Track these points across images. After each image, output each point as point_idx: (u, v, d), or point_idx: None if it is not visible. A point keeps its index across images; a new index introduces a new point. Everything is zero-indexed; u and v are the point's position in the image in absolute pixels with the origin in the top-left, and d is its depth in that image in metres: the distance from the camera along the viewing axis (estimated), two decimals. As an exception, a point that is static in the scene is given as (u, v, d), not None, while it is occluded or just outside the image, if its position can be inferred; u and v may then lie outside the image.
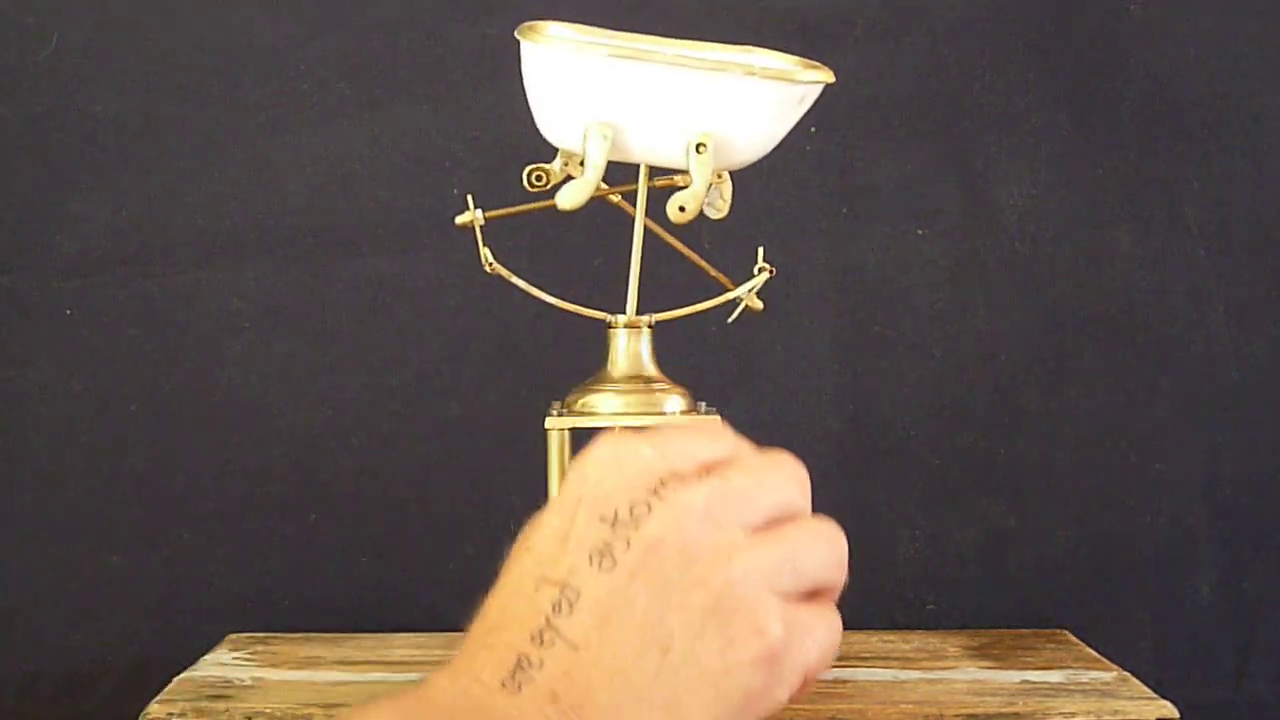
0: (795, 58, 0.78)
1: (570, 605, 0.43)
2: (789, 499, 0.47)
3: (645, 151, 0.78)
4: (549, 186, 0.81)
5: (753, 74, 0.76)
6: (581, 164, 0.77)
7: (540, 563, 0.45)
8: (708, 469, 0.46)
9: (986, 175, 1.05)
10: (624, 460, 0.46)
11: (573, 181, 0.78)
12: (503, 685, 0.43)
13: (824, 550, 0.46)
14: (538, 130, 0.78)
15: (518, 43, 0.76)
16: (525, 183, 0.82)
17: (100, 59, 1.04)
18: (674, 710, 0.43)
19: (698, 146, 0.76)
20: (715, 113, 0.76)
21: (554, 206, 0.81)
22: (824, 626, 0.46)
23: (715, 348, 1.05)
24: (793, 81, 0.76)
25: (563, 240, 1.03)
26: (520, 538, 0.47)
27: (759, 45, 0.79)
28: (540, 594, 0.44)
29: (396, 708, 0.43)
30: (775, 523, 0.46)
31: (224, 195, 1.05)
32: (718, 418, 0.49)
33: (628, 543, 0.44)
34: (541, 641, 0.43)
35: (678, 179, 0.80)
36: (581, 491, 0.45)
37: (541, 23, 0.76)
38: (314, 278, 1.05)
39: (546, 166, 0.82)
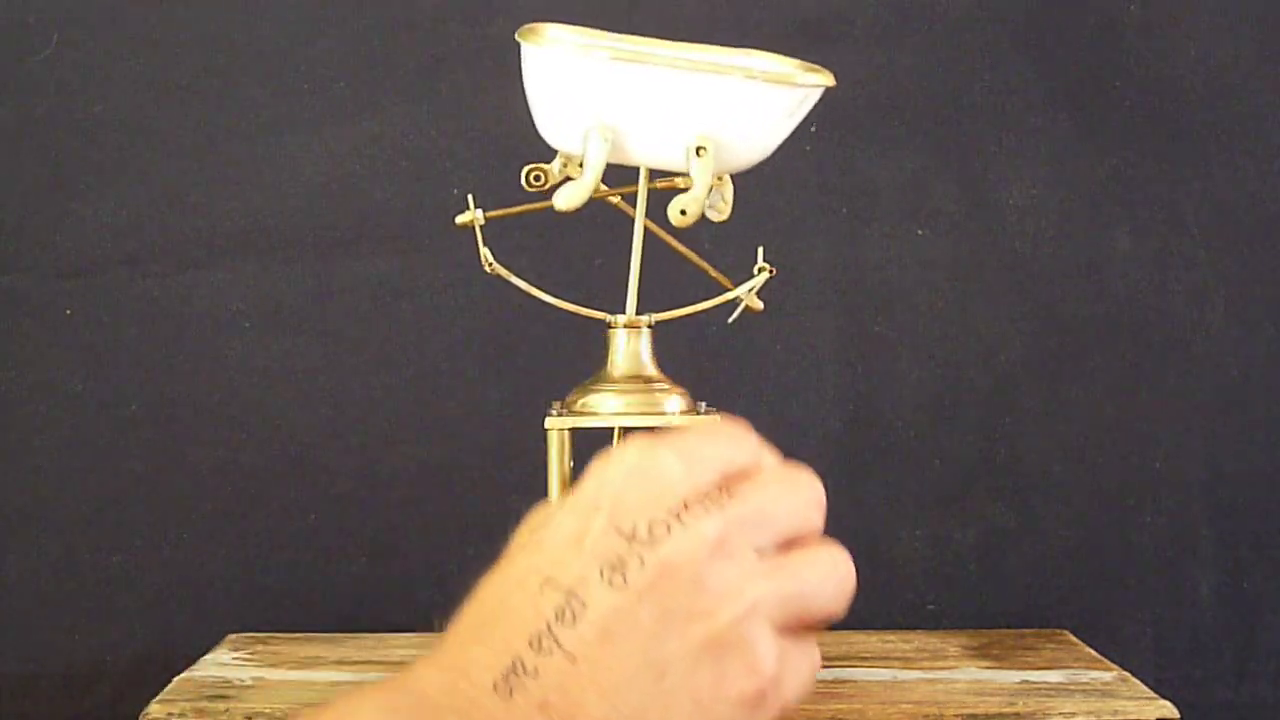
0: (795, 60, 0.78)
1: (574, 615, 0.43)
2: (805, 521, 0.46)
3: (645, 155, 0.78)
4: (547, 187, 0.81)
5: (753, 77, 0.76)
6: (581, 165, 0.77)
7: (549, 562, 0.44)
8: (729, 481, 0.46)
9: (986, 175, 1.05)
10: (649, 473, 0.45)
11: (570, 183, 0.78)
12: (494, 687, 0.42)
13: (833, 586, 0.46)
14: (537, 131, 0.78)
15: (518, 45, 0.75)
16: (524, 182, 0.82)
17: (100, 59, 1.04)
18: None
19: (698, 150, 0.76)
20: (715, 116, 0.76)
21: (554, 206, 0.81)
22: (809, 663, 0.46)
23: (715, 348, 1.05)
24: (793, 85, 0.76)
25: (563, 240, 1.03)
26: (527, 526, 0.46)
27: (759, 45, 0.79)
28: (544, 596, 0.43)
29: (384, 702, 0.42)
30: (789, 545, 0.46)
31: (224, 195, 1.05)
32: (726, 420, 0.48)
33: (642, 561, 0.43)
34: (539, 648, 0.42)
35: (678, 180, 0.80)
36: (601, 497, 0.45)
37: (541, 25, 0.76)
38: (314, 278, 1.05)
39: (545, 166, 0.82)
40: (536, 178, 0.82)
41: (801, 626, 0.46)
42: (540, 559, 0.44)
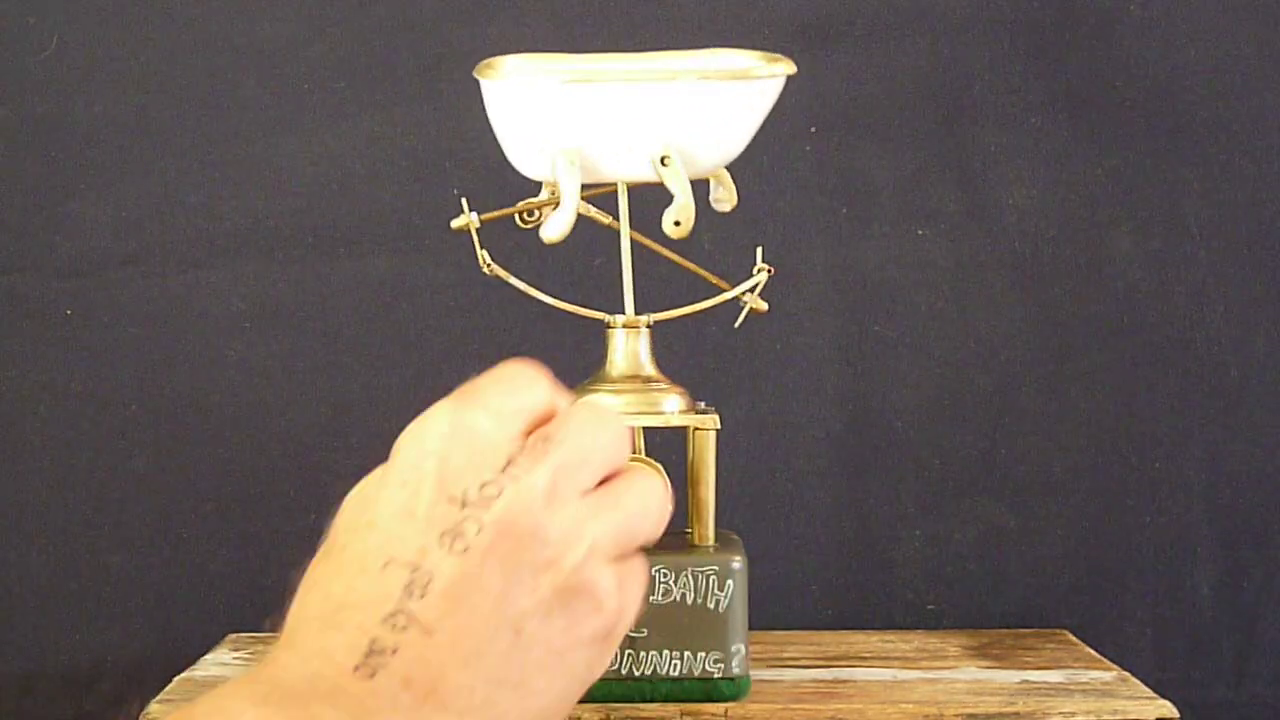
0: (753, 53, 0.77)
1: (423, 589, 0.43)
2: (617, 454, 0.48)
3: (617, 172, 0.78)
4: (541, 220, 0.81)
5: (707, 78, 0.75)
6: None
7: (387, 540, 0.44)
8: (539, 426, 0.47)
9: (986, 175, 1.05)
10: (465, 435, 0.46)
11: (553, 214, 0.78)
12: (355, 669, 0.42)
13: (655, 510, 0.48)
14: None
15: (477, 82, 0.76)
16: (517, 220, 0.83)
17: (100, 59, 1.04)
18: (524, 688, 0.44)
19: (662, 160, 0.76)
20: (678, 121, 0.76)
21: (542, 239, 0.82)
22: (640, 582, 0.47)
23: (715, 348, 1.05)
24: (750, 79, 0.76)
25: (561, 241, 1.03)
26: (354, 505, 0.46)
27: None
28: (389, 575, 0.43)
29: (251, 693, 0.42)
30: (606, 481, 0.47)
31: (224, 195, 1.05)
32: (517, 365, 0.49)
33: (479, 525, 0.44)
34: (395, 626, 0.43)
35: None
36: (424, 467, 0.45)
37: (497, 59, 0.77)
38: (314, 278, 1.05)
39: (535, 201, 0.83)
40: (530, 214, 0.82)
41: (630, 552, 0.47)
42: (377, 538, 0.45)
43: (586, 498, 0.46)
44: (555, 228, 0.78)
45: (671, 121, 0.76)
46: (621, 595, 0.46)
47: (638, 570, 0.47)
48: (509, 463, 0.45)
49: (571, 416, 0.48)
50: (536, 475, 0.45)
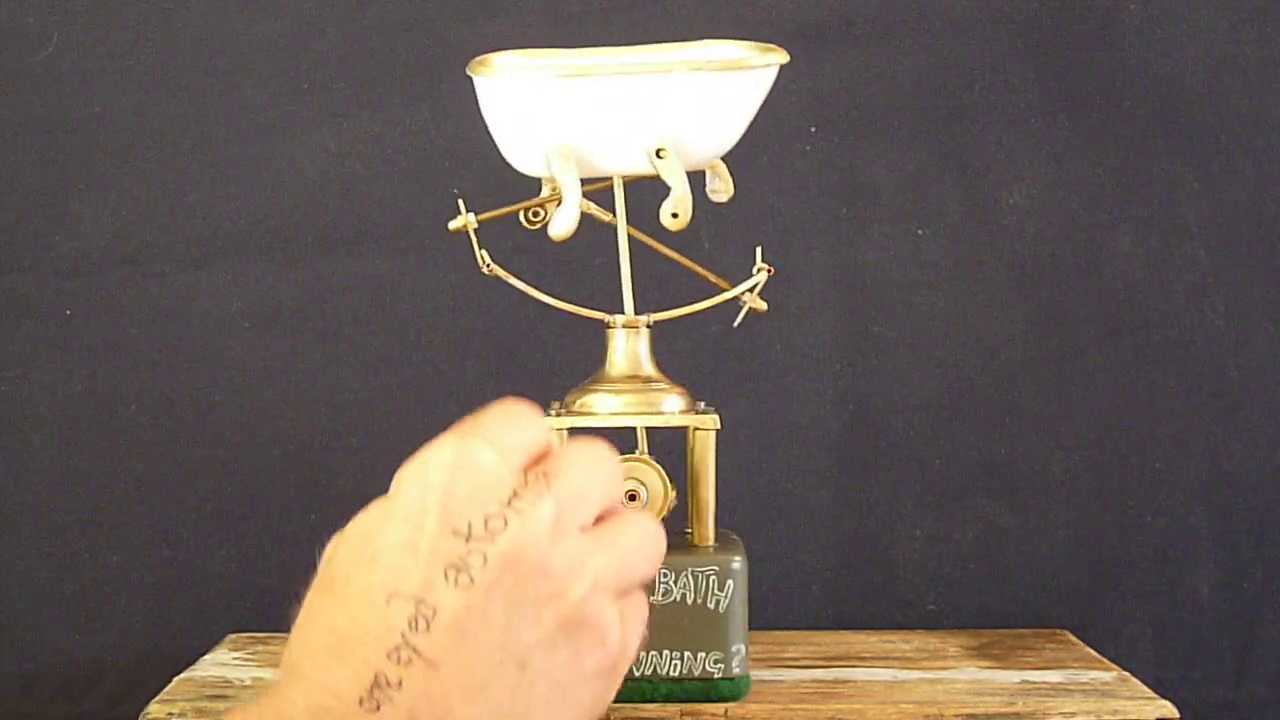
0: (745, 43, 0.78)
1: (427, 622, 0.43)
2: (614, 492, 0.48)
3: (614, 165, 0.78)
4: (547, 218, 0.81)
5: (699, 69, 0.76)
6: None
7: (391, 574, 0.44)
8: (539, 462, 0.47)
9: (986, 175, 1.05)
10: (469, 468, 0.46)
11: (557, 210, 0.78)
12: (360, 703, 0.42)
13: (651, 548, 0.48)
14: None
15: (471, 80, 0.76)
16: (523, 221, 0.83)
17: (100, 59, 1.05)
18: None
19: (658, 152, 0.76)
20: (672, 114, 0.76)
21: (551, 238, 0.82)
22: (641, 619, 0.48)
23: (715, 348, 1.05)
24: (742, 69, 0.76)
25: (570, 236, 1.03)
26: (354, 538, 0.46)
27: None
28: (393, 609, 0.43)
29: None
30: (604, 518, 0.48)
31: (224, 195, 1.05)
32: (514, 402, 0.50)
33: (484, 558, 0.44)
34: (399, 660, 0.43)
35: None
36: (427, 499, 0.45)
37: (490, 55, 0.77)
38: (314, 278, 1.05)
39: (539, 200, 0.83)
40: (535, 214, 0.83)
41: (630, 589, 0.48)
42: (380, 572, 0.44)
43: (587, 534, 0.46)
44: (562, 224, 0.78)
45: (665, 114, 0.76)
46: (624, 630, 0.46)
47: (638, 606, 0.48)
48: (513, 496, 0.45)
49: (569, 454, 0.48)
50: (541, 509, 0.45)
